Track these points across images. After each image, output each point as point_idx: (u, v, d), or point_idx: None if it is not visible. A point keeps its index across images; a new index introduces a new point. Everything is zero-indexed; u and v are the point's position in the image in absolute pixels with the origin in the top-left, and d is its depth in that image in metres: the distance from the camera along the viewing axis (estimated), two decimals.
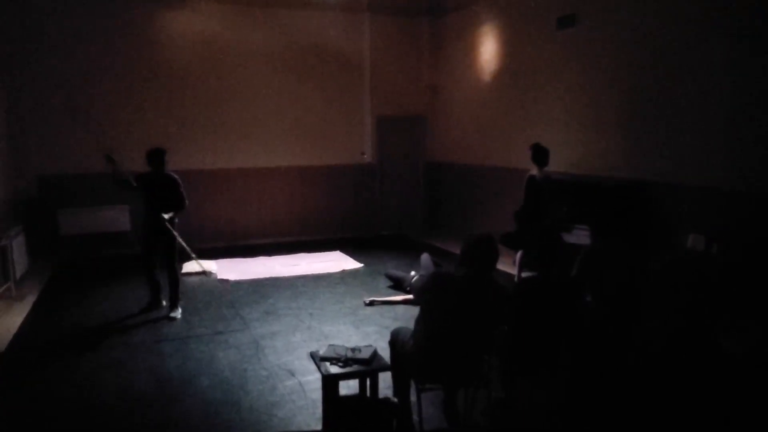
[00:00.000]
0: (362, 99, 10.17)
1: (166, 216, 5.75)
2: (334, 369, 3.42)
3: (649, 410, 3.44)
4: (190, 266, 7.45)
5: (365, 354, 3.53)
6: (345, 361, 3.47)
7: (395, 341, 3.70)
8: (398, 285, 6.74)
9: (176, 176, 5.91)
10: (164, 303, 6.06)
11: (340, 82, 9.97)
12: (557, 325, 3.55)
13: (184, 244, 6.14)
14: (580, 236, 6.28)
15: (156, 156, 5.80)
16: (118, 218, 8.62)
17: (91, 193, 8.49)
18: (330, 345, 3.69)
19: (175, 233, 5.88)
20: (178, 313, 5.85)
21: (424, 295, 3.42)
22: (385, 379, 3.81)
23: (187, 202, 5.95)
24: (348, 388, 3.88)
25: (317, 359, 3.55)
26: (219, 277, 7.33)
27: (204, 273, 7.37)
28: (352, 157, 10.20)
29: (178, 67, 8.90)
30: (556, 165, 6.80)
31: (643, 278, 4.06)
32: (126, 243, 8.66)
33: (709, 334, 3.71)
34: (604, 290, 4.08)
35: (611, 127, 6.69)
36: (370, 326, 5.53)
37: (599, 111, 6.87)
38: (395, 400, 3.67)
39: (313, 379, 4.27)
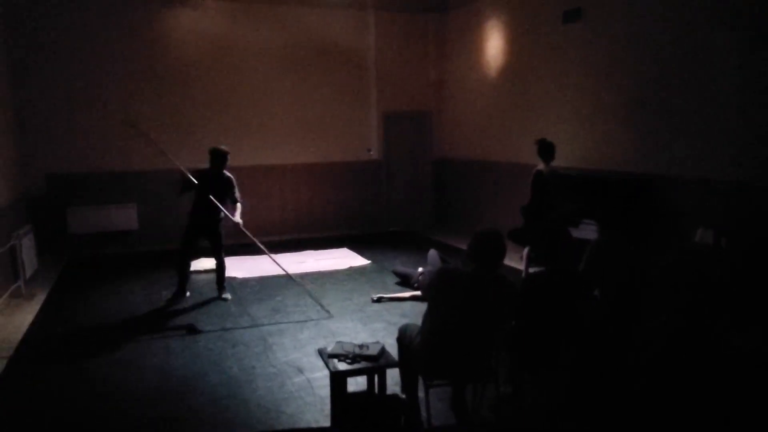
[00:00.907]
0: (368, 95, 10.16)
1: (221, 215, 6.11)
2: (342, 366, 3.43)
3: (649, 410, 3.42)
4: (198, 264, 7.47)
5: (373, 350, 3.53)
6: (353, 358, 3.47)
7: (403, 337, 3.69)
8: (406, 281, 6.74)
9: (232, 176, 6.23)
10: (188, 294, 6.35)
11: (346, 78, 9.96)
12: (561, 322, 3.54)
13: (252, 236, 6.28)
14: (587, 231, 6.24)
15: (219, 156, 6.13)
16: (127, 217, 8.68)
17: (100, 191, 8.57)
18: (338, 342, 3.69)
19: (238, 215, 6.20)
20: (229, 295, 6.39)
21: (432, 291, 3.41)
22: (393, 376, 3.81)
23: (240, 200, 6.30)
24: (356, 384, 3.88)
25: (325, 356, 3.55)
26: (227, 274, 7.32)
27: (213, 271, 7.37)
28: (359, 154, 10.21)
29: (183, 66, 8.92)
30: (563, 160, 6.76)
31: (644, 278, 4.04)
32: (134, 241, 8.72)
33: (710, 333, 3.70)
34: (605, 289, 4.06)
35: (618, 121, 6.65)
36: (378, 323, 5.53)
37: (605, 105, 6.83)
38: (403, 396, 3.67)
39: (321, 376, 4.28)
